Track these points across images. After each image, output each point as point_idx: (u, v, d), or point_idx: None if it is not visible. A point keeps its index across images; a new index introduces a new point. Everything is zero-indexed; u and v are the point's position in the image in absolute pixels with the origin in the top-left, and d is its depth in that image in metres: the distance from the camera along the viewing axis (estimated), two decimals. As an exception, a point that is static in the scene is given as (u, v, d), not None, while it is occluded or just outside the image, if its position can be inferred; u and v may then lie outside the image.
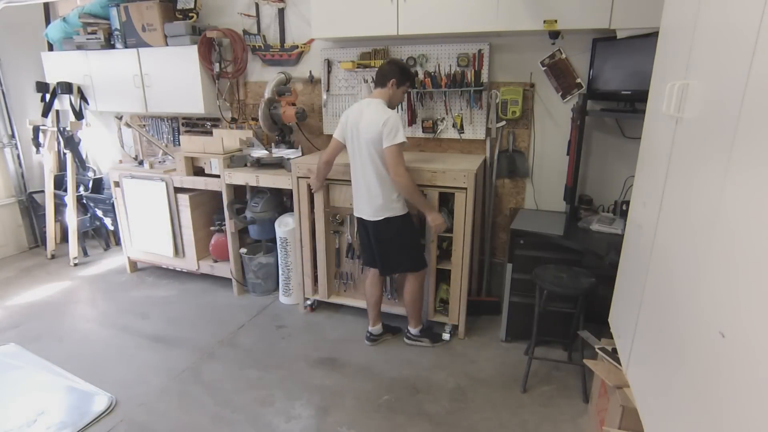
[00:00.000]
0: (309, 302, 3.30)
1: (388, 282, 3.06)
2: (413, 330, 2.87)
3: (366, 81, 3.34)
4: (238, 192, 3.49)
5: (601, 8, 2.42)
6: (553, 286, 2.31)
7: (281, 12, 3.53)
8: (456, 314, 2.92)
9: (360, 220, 2.71)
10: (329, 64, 3.42)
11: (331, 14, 3.02)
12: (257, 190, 3.42)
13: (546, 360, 2.69)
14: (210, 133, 3.82)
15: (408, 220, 2.65)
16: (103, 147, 4.64)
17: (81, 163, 4.27)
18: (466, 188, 2.70)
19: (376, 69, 2.62)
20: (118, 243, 4.46)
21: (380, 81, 2.56)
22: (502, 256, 3.28)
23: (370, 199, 2.56)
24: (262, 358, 2.78)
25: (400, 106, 3.29)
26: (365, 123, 2.47)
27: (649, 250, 1.61)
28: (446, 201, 2.84)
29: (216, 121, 4.00)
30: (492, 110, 3.10)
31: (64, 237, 4.49)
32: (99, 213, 4.35)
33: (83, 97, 4.17)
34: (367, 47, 3.28)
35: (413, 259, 2.72)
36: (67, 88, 4.10)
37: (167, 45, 3.67)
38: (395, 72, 2.55)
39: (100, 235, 4.58)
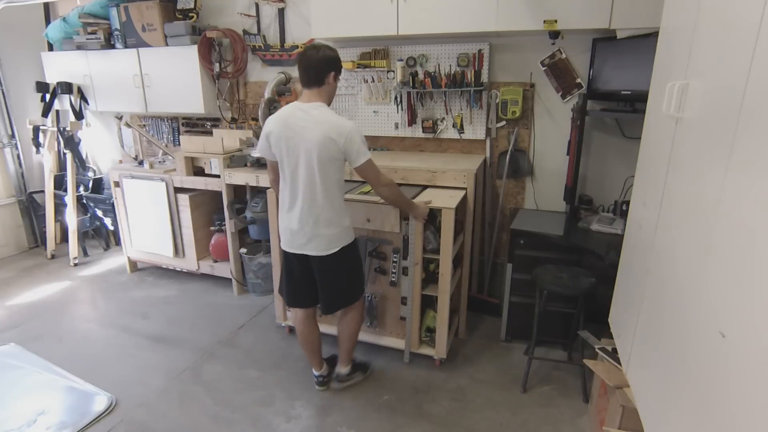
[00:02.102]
0: (283, 325, 3.02)
1: (367, 308, 2.70)
2: (344, 369, 2.48)
3: (366, 81, 3.35)
4: (238, 192, 3.49)
5: (601, 8, 2.42)
6: (553, 286, 2.31)
7: (281, 12, 3.53)
8: (443, 346, 2.58)
9: (296, 258, 2.21)
10: (329, 64, 3.42)
11: (331, 14, 3.02)
12: (257, 190, 3.42)
13: (546, 360, 2.69)
14: (210, 133, 3.82)
15: (356, 245, 2.29)
16: (103, 147, 4.64)
17: (81, 163, 4.27)
18: (465, 188, 2.70)
19: (303, 64, 2.03)
20: (118, 243, 4.46)
21: (315, 78, 2.03)
22: (503, 257, 3.28)
23: (320, 229, 2.09)
24: (262, 358, 2.78)
25: (399, 106, 3.31)
26: (316, 138, 1.97)
27: (649, 250, 1.61)
28: (433, 218, 2.50)
29: (216, 121, 4.00)
30: (492, 110, 3.10)
31: (64, 237, 4.49)
32: (99, 213, 4.35)
33: (83, 97, 4.17)
34: (367, 47, 3.28)
35: (359, 287, 2.37)
36: (67, 88, 4.10)
37: (167, 45, 3.67)
38: (332, 62, 2.05)
39: (100, 235, 4.58)
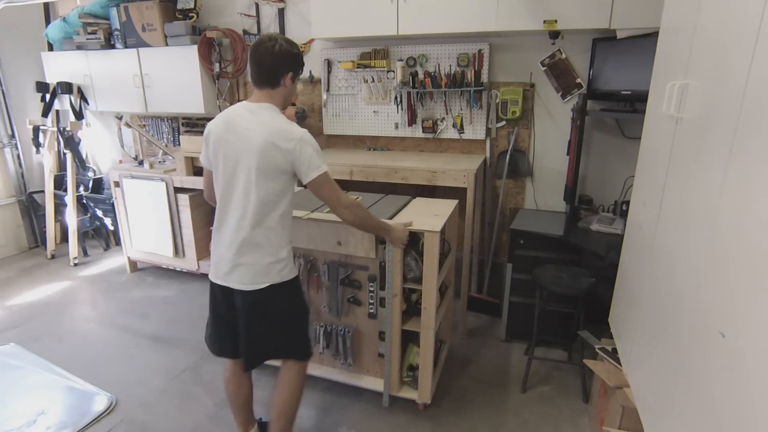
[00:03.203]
0: None
1: (341, 343, 2.36)
2: None
3: (366, 81, 3.35)
4: (238, 192, 3.49)
5: (601, 8, 2.42)
6: (553, 286, 2.31)
7: (281, 12, 3.53)
8: (428, 390, 2.23)
9: (222, 291, 1.78)
10: (329, 64, 3.43)
11: (331, 14, 3.02)
12: (257, 190, 3.42)
13: (546, 360, 2.69)
14: (210, 133, 3.82)
15: (297, 286, 1.85)
16: (103, 147, 4.64)
17: (81, 163, 4.27)
18: (465, 188, 2.70)
19: (254, 59, 1.70)
20: (118, 243, 4.46)
21: (267, 78, 1.70)
22: (503, 257, 3.28)
23: (246, 256, 1.70)
24: (262, 358, 2.77)
25: (399, 106, 3.31)
26: (257, 142, 1.62)
27: (649, 250, 1.61)
28: (415, 241, 2.12)
29: (216, 121, 4.00)
30: (492, 110, 3.10)
31: (64, 237, 4.49)
32: (99, 213, 4.35)
33: (83, 97, 4.17)
34: (367, 47, 3.28)
35: (300, 341, 1.90)
36: (67, 88, 4.10)
37: (167, 45, 3.67)
38: (291, 60, 1.70)
39: (100, 235, 4.58)
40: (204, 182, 1.88)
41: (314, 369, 2.41)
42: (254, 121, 1.66)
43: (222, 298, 1.80)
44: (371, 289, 2.23)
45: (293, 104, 3.36)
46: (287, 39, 1.71)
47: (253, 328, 1.78)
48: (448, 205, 2.42)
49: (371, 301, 2.25)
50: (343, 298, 2.32)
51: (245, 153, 1.65)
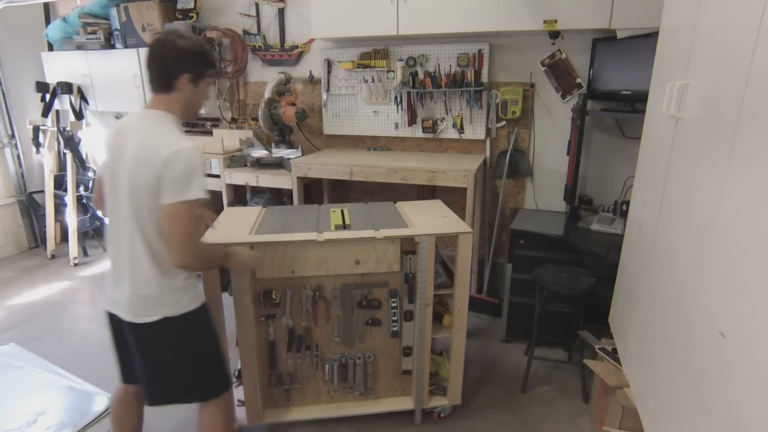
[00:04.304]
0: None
1: (359, 371, 2.15)
2: None
3: (366, 81, 3.35)
4: (238, 192, 3.49)
5: (601, 8, 2.42)
6: (553, 286, 2.31)
7: (281, 12, 3.53)
8: (458, 392, 2.22)
9: (110, 316, 1.57)
10: (329, 64, 3.43)
11: (331, 14, 3.02)
12: (257, 190, 3.42)
13: (546, 360, 2.68)
14: (210, 133, 3.82)
15: (201, 318, 1.58)
16: (103, 147, 4.64)
17: (81, 163, 4.27)
18: (465, 188, 2.70)
19: (147, 58, 1.45)
20: (118, 243, 4.46)
21: (158, 79, 1.45)
22: (503, 257, 3.28)
23: (135, 284, 1.46)
24: (262, 358, 2.77)
25: (399, 106, 3.30)
26: (132, 156, 1.40)
27: (649, 250, 1.62)
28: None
29: (216, 121, 4.00)
30: (492, 110, 3.10)
31: (64, 237, 4.49)
32: (99, 213, 4.35)
33: (83, 97, 4.17)
34: (367, 47, 3.28)
35: (212, 377, 1.63)
36: (67, 88, 4.10)
37: (167, 45, 3.67)
38: (188, 58, 1.44)
39: (100, 235, 4.57)
40: (95, 187, 1.67)
41: (322, 410, 2.18)
42: (138, 130, 1.44)
43: (110, 325, 1.59)
44: (393, 305, 2.07)
45: (293, 104, 3.35)
46: (188, 35, 1.47)
47: (151, 363, 1.54)
48: (440, 205, 2.34)
49: (394, 318, 2.09)
50: (359, 322, 2.11)
51: (123, 165, 1.43)
